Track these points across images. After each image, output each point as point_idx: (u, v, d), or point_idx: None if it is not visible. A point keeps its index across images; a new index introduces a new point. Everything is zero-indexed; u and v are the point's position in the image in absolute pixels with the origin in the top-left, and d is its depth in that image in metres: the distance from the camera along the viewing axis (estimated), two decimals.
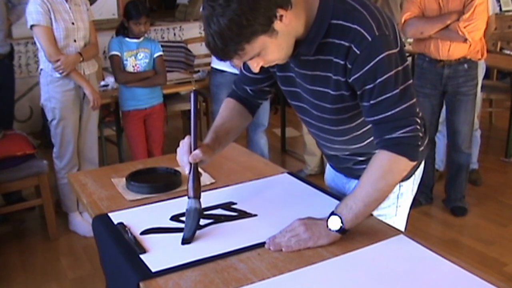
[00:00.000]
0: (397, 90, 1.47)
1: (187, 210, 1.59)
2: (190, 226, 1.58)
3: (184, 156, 1.62)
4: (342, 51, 1.47)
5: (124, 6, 3.93)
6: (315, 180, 2.05)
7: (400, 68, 1.48)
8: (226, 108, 1.87)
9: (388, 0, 4.37)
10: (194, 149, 1.61)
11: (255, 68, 1.50)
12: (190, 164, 1.61)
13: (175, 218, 1.71)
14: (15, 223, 3.95)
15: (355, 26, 1.44)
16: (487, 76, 4.97)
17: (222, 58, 1.43)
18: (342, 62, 1.48)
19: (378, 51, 1.44)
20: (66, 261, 3.44)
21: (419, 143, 1.53)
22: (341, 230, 1.51)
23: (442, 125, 4.01)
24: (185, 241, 1.56)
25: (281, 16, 1.39)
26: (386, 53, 1.44)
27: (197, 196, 1.60)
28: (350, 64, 1.47)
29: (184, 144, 1.63)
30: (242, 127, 1.90)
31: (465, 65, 3.57)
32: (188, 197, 1.61)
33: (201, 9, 1.44)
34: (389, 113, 1.48)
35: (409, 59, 5.74)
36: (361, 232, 1.56)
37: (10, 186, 3.57)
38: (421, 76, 3.73)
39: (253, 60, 1.47)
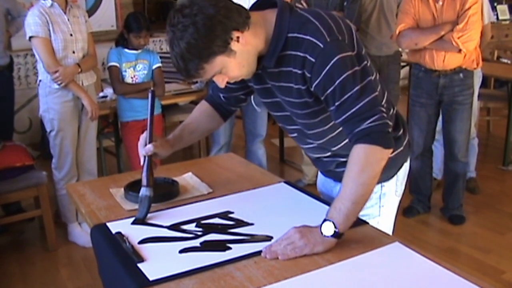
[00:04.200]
0: (357, 87, 1.54)
1: (139, 197, 1.80)
2: (141, 211, 1.78)
3: (140, 149, 1.85)
4: (298, 61, 1.56)
5: (126, 17, 3.94)
6: (312, 190, 2.06)
7: (357, 68, 1.55)
8: (198, 110, 2.03)
9: (384, 11, 4.40)
10: (149, 143, 1.82)
11: (221, 84, 1.62)
12: (144, 156, 1.82)
13: (173, 227, 1.72)
14: (14, 234, 3.96)
15: (308, 37, 1.53)
16: (484, 84, 5.00)
17: (185, 77, 1.57)
18: (300, 72, 1.57)
19: (331, 56, 1.51)
20: (65, 271, 3.45)
21: (389, 129, 1.58)
22: (336, 235, 1.52)
23: (439, 134, 4.02)
24: (137, 221, 1.76)
25: (238, 37, 1.49)
26: (339, 56, 1.52)
27: (150, 185, 1.81)
28: (309, 72, 1.55)
29: (142, 138, 1.86)
30: (210, 129, 2.10)
31: (461, 75, 3.59)
32: (142, 186, 1.81)
33: None
34: (354, 109, 1.54)
35: (406, 68, 5.78)
36: (356, 240, 1.58)
37: (9, 197, 3.58)
38: (417, 86, 3.75)
39: (217, 77, 1.59)
